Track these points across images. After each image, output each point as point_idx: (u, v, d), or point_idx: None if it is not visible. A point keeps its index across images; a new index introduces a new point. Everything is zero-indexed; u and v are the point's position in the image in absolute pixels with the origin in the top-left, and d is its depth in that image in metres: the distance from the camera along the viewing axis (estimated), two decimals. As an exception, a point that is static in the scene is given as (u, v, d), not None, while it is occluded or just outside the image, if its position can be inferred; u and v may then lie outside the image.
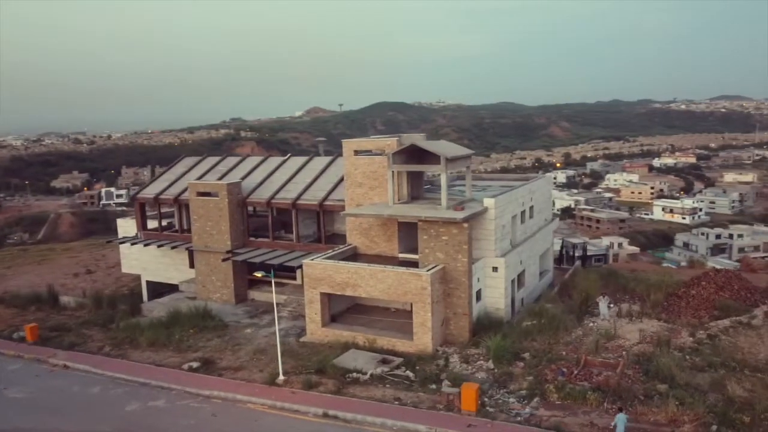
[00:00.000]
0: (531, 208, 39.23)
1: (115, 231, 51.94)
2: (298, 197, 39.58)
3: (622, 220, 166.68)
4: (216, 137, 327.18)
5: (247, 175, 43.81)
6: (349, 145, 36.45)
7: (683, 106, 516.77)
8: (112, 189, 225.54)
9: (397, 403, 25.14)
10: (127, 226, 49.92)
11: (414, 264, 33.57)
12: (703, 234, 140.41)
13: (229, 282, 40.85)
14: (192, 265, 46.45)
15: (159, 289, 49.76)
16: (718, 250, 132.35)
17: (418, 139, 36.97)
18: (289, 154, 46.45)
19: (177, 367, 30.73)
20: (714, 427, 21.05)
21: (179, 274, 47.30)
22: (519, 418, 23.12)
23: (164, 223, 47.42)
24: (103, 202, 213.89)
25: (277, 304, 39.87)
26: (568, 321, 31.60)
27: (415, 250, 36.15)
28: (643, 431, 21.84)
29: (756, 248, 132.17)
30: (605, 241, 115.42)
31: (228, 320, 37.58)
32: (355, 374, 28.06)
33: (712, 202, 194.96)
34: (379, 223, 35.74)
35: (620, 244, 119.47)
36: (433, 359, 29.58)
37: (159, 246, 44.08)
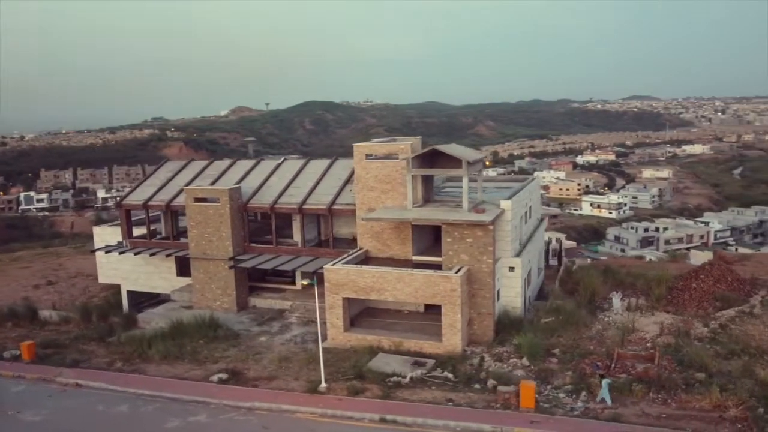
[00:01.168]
0: (530, 209, 40.63)
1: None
2: (304, 201, 39.17)
3: (555, 216, 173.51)
4: (140, 137, 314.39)
5: (241, 179, 42.83)
6: (360, 149, 36.47)
7: (599, 106, 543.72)
8: (32, 193, 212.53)
9: (450, 404, 25.56)
10: (104, 234, 47.64)
11: (429, 266, 34.15)
12: (632, 228, 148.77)
13: (230, 289, 39.87)
14: (180, 273, 45.11)
15: (138, 299, 47.89)
16: (647, 242, 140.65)
17: (415, 142, 37.73)
18: (283, 158, 45.75)
19: (204, 379, 29.82)
20: (761, 410, 22.77)
21: (165, 282, 45.70)
22: (576, 412, 24.11)
23: (146, 230, 45.63)
24: (23, 207, 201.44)
25: (284, 310, 39.56)
26: (585, 317, 33.05)
27: (427, 252, 36.82)
28: (692, 418, 23.34)
29: (680, 240, 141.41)
30: (545, 236, 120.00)
31: (236, 329, 36.73)
32: (395, 378, 28.25)
33: (635, 197, 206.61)
34: (392, 226, 35.99)
35: (558, 239, 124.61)
36: (464, 359, 30.16)
37: (152, 254, 42.37)
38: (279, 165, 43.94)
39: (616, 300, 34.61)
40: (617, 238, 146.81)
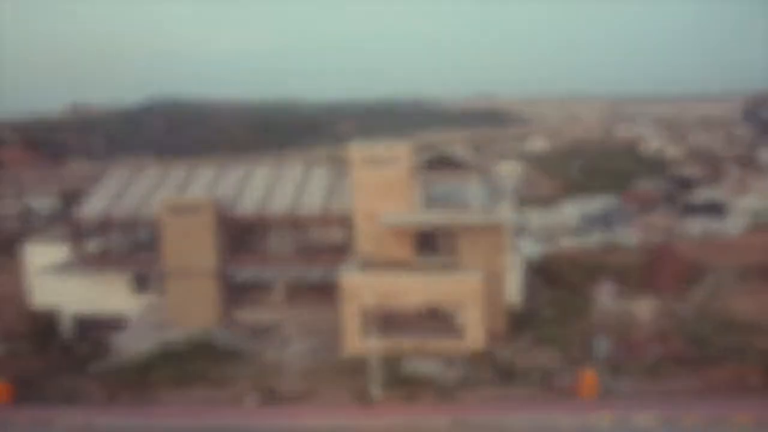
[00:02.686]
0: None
1: None
2: (294, 209, 37.87)
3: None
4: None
5: (211, 189, 40.29)
6: (358, 154, 36.08)
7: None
8: None
9: (512, 399, 26.57)
10: (38, 253, 42.22)
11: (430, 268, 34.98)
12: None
13: (214, 305, 37.47)
14: (139, 291, 41.46)
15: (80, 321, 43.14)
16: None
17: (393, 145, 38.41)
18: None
19: (239, 402, 28.07)
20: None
21: (120, 302, 41.59)
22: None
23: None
24: None
25: (273, 323, 38.04)
26: (583, 306, 35.68)
27: (422, 255, 37.42)
28: (725, 388, 26.51)
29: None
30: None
31: (234, 346, 34.75)
32: (439, 381, 28.69)
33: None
34: (393, 230, 36.12)
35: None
36: (492, 355, 31.28)
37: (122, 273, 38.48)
38: (249, 172, 41.90)
39: (608, 288, 37.70)
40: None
